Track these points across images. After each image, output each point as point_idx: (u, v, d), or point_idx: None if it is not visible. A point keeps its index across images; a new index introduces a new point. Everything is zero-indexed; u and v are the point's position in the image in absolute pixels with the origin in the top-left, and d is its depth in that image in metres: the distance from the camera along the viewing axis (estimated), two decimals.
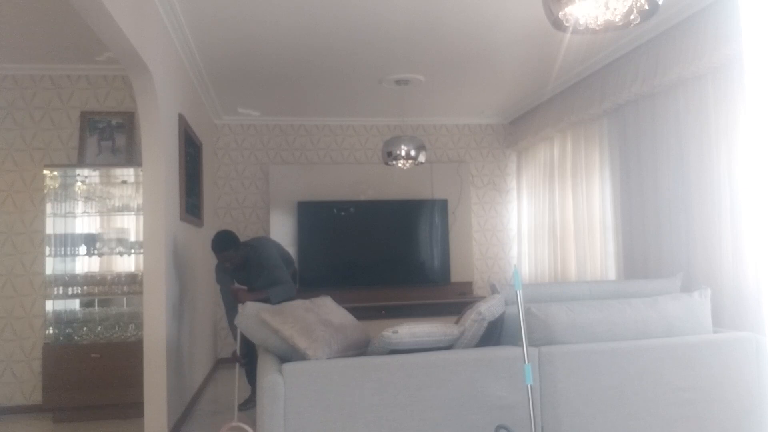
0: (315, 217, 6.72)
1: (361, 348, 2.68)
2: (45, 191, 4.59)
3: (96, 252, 4.63)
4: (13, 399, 4.65)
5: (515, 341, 2.63)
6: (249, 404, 4.43)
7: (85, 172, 4.71)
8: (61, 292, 4.53)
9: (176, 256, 4.12)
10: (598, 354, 2.62)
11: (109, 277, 4.60)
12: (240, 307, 3.62)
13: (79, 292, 4.59)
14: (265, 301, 3.70)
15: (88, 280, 4.60)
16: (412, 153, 5.57)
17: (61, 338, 4.53)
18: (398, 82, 5.49)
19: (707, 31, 3.72)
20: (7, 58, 4.62)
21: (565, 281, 5.87)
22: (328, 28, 4.24)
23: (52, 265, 4.53)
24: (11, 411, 4.60)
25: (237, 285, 4.19)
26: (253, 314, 2.67)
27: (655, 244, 4.45)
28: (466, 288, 6.98)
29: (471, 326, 2.60)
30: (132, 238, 4.69)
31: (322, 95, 5.97)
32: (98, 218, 4.77)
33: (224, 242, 4.11)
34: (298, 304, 2.79)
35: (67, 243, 4.61)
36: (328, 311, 2.79)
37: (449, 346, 2.61)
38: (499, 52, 4.83)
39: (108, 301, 4.72)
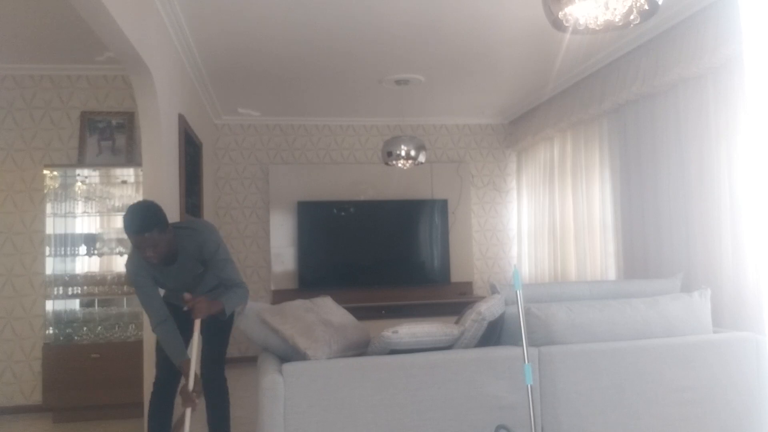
0: (315, 217, 6.72)
1: (361, 348, 2.68)
2: (45, 191, 4.59)
3: (96, 252, 4.63)
4: (13, 399, 4.65)
5: (515, 341, 2.63)
6: None
7: (85, 172, 4.71)
8: (61, 292, 4.53)
9: None
10: (598, 354, 2.62)
11: (109, 277, 4.60)
12: (197, 326, 2.83)
13: (79, 292, 4.59)
14: (220, 314, 2.89)
15: (88, 280, 4.60)
16: (412, 153, 5.57)
17: (61, 338, 4.52)
18: (398, 82, 5.49)
19: (707, 31, 3.72)
20: (7, 58, 4.62)
21: (565, 281, 5.87)
22: (328, 28, 4.24)
23: (52, 265, 4.52)
24: (11, 411, 4.60)
25: (187, 294, 2.86)
26: (253, 314, 2.66)
27: (655, 244, 4.45)
28: (466, 288, 6.98)
29: (471, 326, 2.60)
30: None
31: (322, 95, 5.97)
32: (98, 218, 4.77)
33: (147, 219, 2.74)
34: (299, 304, 2.79)
35: (67, 243, 4.61)
36: (328, 311, 2.79)
37: (449, 346, 2.61)
38: (499, 52, 4.83)
39: (108, 301, 4.71)
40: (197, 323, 2.85)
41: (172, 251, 2.88)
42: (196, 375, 2.83)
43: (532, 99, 6.34)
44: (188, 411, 2.80)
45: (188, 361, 2.83)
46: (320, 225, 6.74)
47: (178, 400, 3.00)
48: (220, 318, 2.93)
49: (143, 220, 2.73)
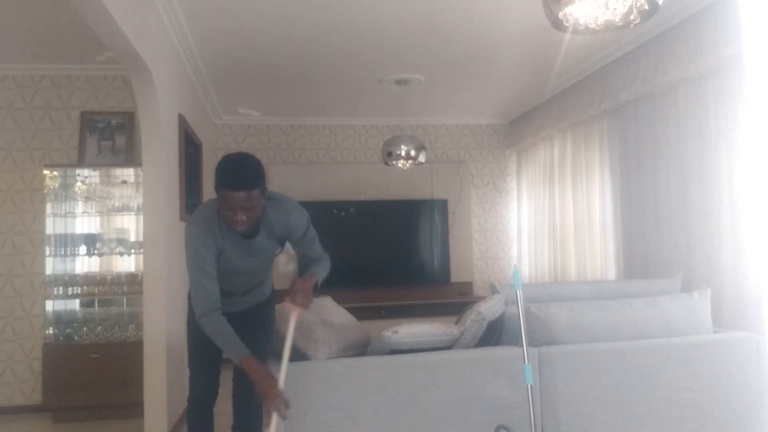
0: (315, 217, 6.58)
1: (361, 348, 2.68)
2: (45, 191, 4.58)
3: (96, 252, 4.62)
4: (13, 399, 4.65)
5: (515, 341, 2.63)
6: None
7: (85, 172, 4.70)
8: (61, 292, 4.52)
9: (176, 256, 4.11)
10: (598, 354, 2.62)
11: (109, 277, 4.60)
12: (294, 317, 2.30)
13: (79, 292, 4.59)
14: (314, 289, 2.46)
15: (88, 280, 4.59)
16: (412, 153, 5.57)
17: (61, 338, 4.52)
18: (398, 82, 5.48)
19: (707, 31, 3.72)
20: (7, 58, 4.62)
21: (565, 281, 5.87)
22: (329, 28, 4.24)
23: (52, 265, 4.52)
24: (11, 411, 4.60)
25: (301, 280, 2.44)
26: None
27: (655, 244, 4.45)
28: (466, 288, 6.97)
29: (471, 326, 2.60)
30: (132, 238, 4.69)
31: (322, 95, 5.97)
32: (98, 218, 4.77)
33: (254, 174, 2.29)
34: None
35: (67, 243, 4.61)
36: (328, 311, 2.79)
37: (449, 346, 2.61)
38: (499, 52, 4.83)
39: (108, 301, 4.71)
40: (295, 314, 2.34)
41: (258, 222, 2.36)
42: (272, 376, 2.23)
43: (532, 99, 6.34)
44: (274, 421, 2.16)
45: (249, 358, 2.24)
46: (320, 225, 6.64)
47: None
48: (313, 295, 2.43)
49: (250, 174, 2.26)
